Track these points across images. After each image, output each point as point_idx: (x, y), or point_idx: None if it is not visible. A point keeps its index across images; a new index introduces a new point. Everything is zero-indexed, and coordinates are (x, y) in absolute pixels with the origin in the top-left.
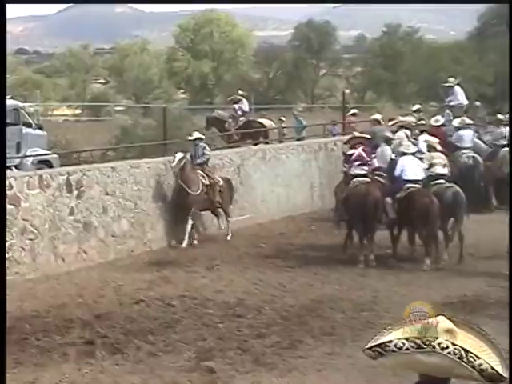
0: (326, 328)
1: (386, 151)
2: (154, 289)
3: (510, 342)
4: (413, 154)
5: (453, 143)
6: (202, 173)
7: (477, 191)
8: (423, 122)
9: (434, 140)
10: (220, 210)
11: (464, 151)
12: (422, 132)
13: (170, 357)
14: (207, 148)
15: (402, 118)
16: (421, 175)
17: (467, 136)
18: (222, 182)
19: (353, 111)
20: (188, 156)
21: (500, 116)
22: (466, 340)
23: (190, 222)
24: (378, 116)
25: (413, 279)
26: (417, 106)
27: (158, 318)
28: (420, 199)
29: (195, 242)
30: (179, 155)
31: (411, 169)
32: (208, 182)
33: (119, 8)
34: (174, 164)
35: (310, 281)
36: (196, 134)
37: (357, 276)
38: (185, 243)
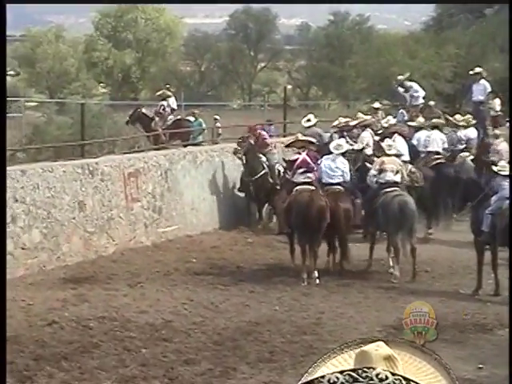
0: (263, 354)
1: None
2: (69, 309)
3: (509, 343)
4: (343, 154)
5: (415, 147)
6: None
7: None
8: (391, 122)
9: (403, 143)
10: None
11: (436, 156)
12: (393, 133)
13: None
14: None
15: (364, 117)
16: (340, 178)
17: (433, 139)
18: None
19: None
20: None
21: (457, 117)
22: (413, 363)
23: None
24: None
25: (362, 299)
26: (377, 105)
27: (73, 342)
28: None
29: None
30: None
31: (329, 172)
32: None
33: None
34: None
35: (246, 300)
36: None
37: (299, 295)
38: None
